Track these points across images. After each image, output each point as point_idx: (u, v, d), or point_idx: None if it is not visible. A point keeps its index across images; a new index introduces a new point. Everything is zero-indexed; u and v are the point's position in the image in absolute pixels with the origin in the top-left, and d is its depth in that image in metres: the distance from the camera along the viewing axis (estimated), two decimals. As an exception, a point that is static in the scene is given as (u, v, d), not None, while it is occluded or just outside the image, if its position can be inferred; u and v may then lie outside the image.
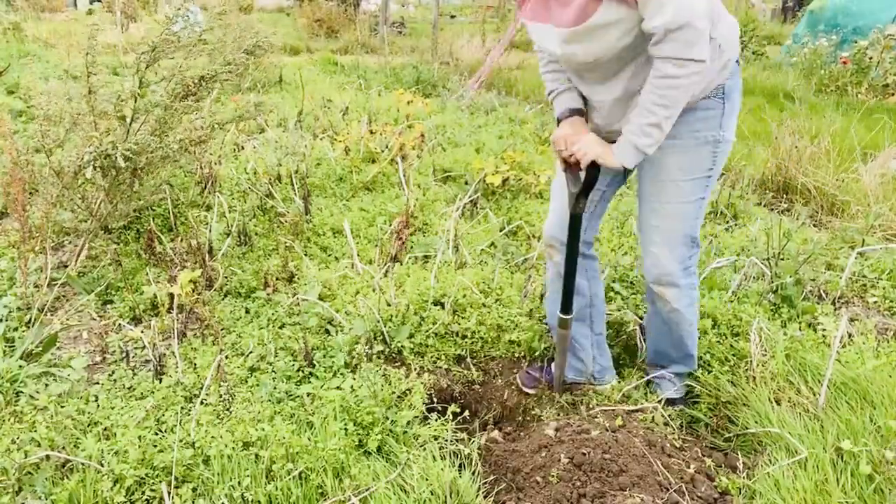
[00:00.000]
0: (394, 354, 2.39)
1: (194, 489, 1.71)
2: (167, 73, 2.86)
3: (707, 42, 1.62)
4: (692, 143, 1.88)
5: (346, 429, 1.90)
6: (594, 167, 1.89)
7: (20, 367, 2.15)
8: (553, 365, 2.29)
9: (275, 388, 2.13)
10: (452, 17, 17.82)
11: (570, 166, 1.96)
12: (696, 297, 2.11)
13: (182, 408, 2.00)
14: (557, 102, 2.02)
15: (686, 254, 2.00)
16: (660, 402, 2.19)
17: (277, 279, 2.85)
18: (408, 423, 2.00)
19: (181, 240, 2.99)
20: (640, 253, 2.20)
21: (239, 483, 1.71)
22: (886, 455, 1.70)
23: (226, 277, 2.85)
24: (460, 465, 1.88)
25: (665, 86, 1.66)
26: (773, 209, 4.06)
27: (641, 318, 2.52)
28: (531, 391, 2.33)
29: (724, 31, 1.81)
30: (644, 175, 1.99)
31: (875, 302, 2.82)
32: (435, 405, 2.21)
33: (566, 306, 2.08)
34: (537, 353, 2.46)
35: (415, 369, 2.32)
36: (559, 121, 1.99)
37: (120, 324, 2.53)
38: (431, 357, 2.41)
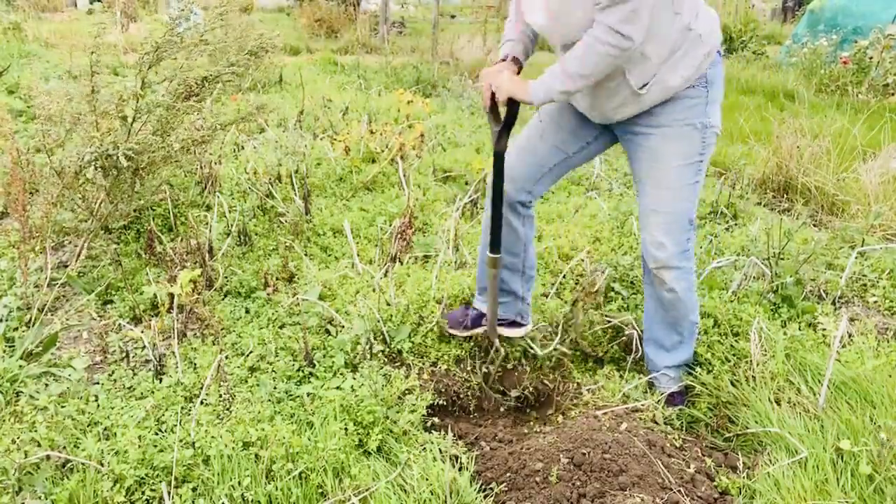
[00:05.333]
0: (394, 354, 2.39)
1: (194, 489, 1.71)
2: (168, 73, 2.86)
3: (643, 28, 1.75)
4: (681, 129, 1.97)
5: (346, 429, 1.90)
6: (513, 104, 2.00)
7: (20, 367, 2.15)
8: (486, 310, 2.37)
9: (275, 388, 2.13)
10: (452, 17, 17.81)
11: (494, 105, 2.06)
12: (694, 281, 2.16)
13: (182, 408, 2.00)
14: (503, 47, 2.14)
15: (683, 236, 2.06)
16: (659, 401, 2.19)
17: (277, 279, 2.85)
18: (409, 422, 2.00)
19: (181, 240, 2.99)
20: (640, 245, 2.24)
21: (239, 483, 1.71)
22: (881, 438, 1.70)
23: (226, 277, 2.85)
24: (460, 466, 1.89)
25: (590, 48, 1.79)
26: (773, 209, 4.06)
27: (641, 319, 2.52)
28: (456, 332, 2.43)
29: (704, 24, 1.91)
30: (638, 162, 2.08)
31: (875, 302, 2.81)
32: (435, 405, 2.21)
33: (494, 244, 2.16)
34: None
35: (415, 368, 2.32)
36: (497, 62, 2.10)
37: (120, 324, 2.53)
38: (432, 358, 2.41)
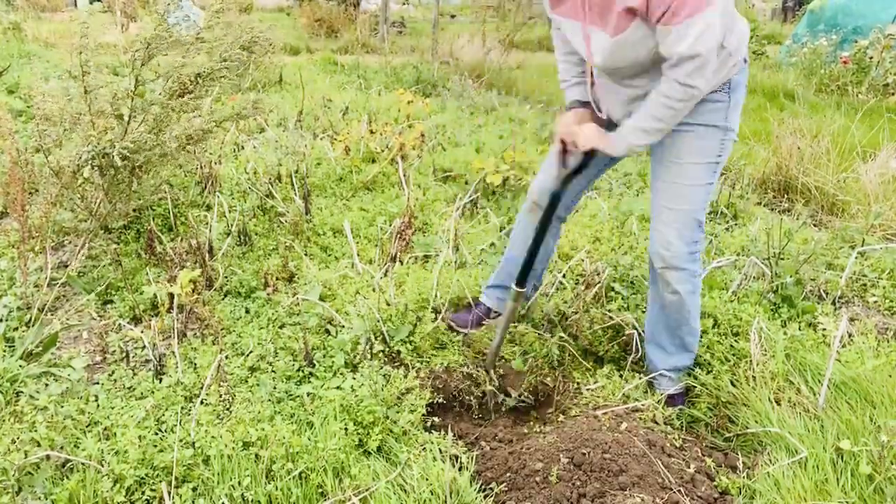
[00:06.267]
0: (393, 354, 2.39)
1: (194, 489, 1.71)
2: (164, 71, 2.86)
3: (711, 72, 1.80)
4: (702, 129, 2.00)
5: (346, 428, 1.90)
6: (590, 154, 2.08)
7: (20, 367, 2.15)
8: (492, 305, 2.53)
9: (275, 388, 2.13)
10: (452, 17, 17.81)
11: (567, 150, 2.15)
12: (699, 285, 2.16)
13: (182, 408, 2.00)
14: (568, 92, 2.21)
15: (692, 237, 2.07)
16: (659, 401, 2.19)
17: (277, 279, 2.85)
18: (409, 422, 2.00)
19: (181, 240, 2.99)
20: (641, 245, 2.26)
21: (239, 483, 1.71)
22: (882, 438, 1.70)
23: (226, 277, 2.85)
24: (460, 466, 1.89)
25: (664, 103, 1.84)
26: (773, 209, 4.06)
27: (641, 319, 2.52)
28: (462, 330, 2.51)
29: (735, 38, 1.93)
30: (656, 157, 2.11)
31: (875, 302, 2.81)
32: (435, 404, 2.21)
33: (523, 279, 2.18)
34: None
35: (413, 368, 2.32)
36: (568, 108, 2.20)
37: (120, 324, 2.53)
38: (430, 356, 2.41)
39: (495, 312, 2.58)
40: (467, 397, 2.33)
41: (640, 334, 2.42)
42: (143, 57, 2.67)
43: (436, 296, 2.63)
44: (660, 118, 1.87)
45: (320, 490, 1.74)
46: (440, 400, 2.24)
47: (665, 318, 2.21)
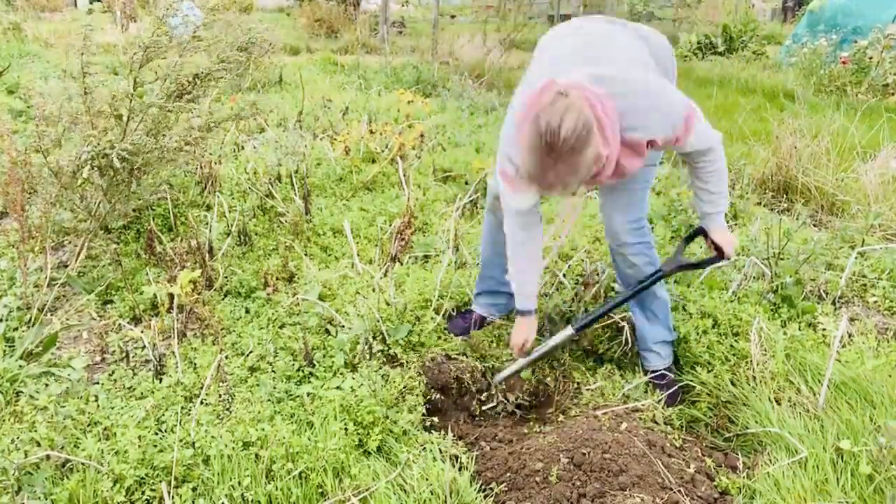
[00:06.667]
0: (393, 354, 2.39)
1: (194, 489, 1.71)
2: (162, 72, 2.85)
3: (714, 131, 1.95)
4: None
5: (346, 428, 1.90)
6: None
7: (20, 367, 2.15)
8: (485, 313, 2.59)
9: (275, 388, 2.13)
10: (452, 17, 17.80)
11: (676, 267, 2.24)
12: (654, 256, 2.26)
13: (182, 408, 2.00)
14: (529, 296, 2.22)
15: (637, 214, 2.21)
16: (659, 401, 2.19)
17: (277, 279, 2.85)
18: (409, 422, 2.00)
19: (181, 240, 2.99)
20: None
21: (239, 483, 1.71)
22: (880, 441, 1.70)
23: (226, 277, 2.85)
24: (460, 466, 1.89)
25: (711, 169, 1.98)
26: (772, 209, 4.06)
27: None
28: (460, 336, 2.53)
29: None
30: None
31: (875, 302, 2.81)
32: (435, 399, 2.21)
33: (584, 326, 2.25)
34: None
35: (411, 365, 2.32)
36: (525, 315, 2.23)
37: (120, 324, 2.53)
38: (427, 353, 2.41)
39: (489, 322, 2.62)
40: (464, 397, 2.32)
41: (630, 325, 2.44)
42: (142, 59, 2.67)
43: (438, 297, 2.63)
44: (721, 180, 2.01)
45: (320, 490, 1.74)
46: (436, 396, 2.23)
47: (630, 286, 2.29)
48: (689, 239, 2.27)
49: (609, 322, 2.51)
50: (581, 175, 1.68)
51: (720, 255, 2.14)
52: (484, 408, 2.33)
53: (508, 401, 2.34)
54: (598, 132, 1.65)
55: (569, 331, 2.22)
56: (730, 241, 2.12)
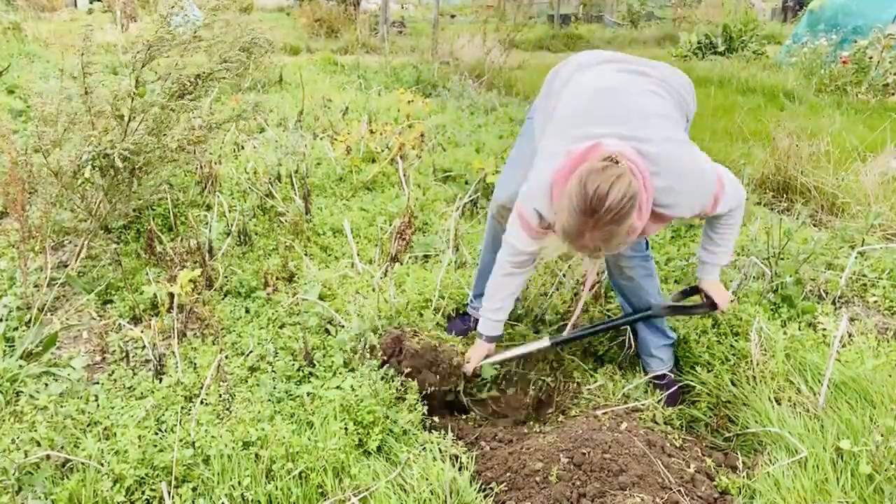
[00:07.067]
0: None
1: (194, 489, 1.71)
2: (164, 71, 2.86)
3: (740, 190, 1.98)
4: None
5: (346, 428, 1.90)
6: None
7: (20, 366, 2.15)
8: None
9: (275, 387, 2.13)
10: (452, 17, 17.80)
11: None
12: (651, 268, 2.29)
13: (182, 408, 2.00)
14: (495, 324, 2.24)
15: None
16: (659, 401, 2.19)
17: (277, 279, 2.85)
18: (409, 422, 2.00)
19: (181, 239, 2.99)
20: None
21: (239, 483, 1.71)
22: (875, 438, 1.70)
23: (226, 277, 2.85)
24: (460, 465, 1.89)
25: (725, 225, 2.03)
26: (772, 209, 4.06)
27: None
28: (459, 337, 2.49)
29: None
30: None
31: (875, 301, 2.81)
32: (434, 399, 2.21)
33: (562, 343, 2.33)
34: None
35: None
36: (487, 341, 2.27)
37: (120, 323, 2.53)
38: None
39: None
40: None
41: (630, 332, 2.44)
42: (145, 58, 2.67)
43: (438, 297, 2.63)
44: (730, 238, 2.07)
45: (320, 490, 1.74)
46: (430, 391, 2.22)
47: (630, 304, 2.31)
48: (686, 294, 2.30)
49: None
50: (614, 243, 1.70)
51: (713, 306, 2.16)
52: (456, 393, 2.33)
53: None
54: (638, 205, 1.67)
55: (545, 343, 2.24)
56: (725, 297, 2.15)
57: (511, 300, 2.20)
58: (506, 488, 1.82)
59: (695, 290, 2.25)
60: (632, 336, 2.44)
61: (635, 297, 2.30)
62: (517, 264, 2.10)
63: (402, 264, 3.02)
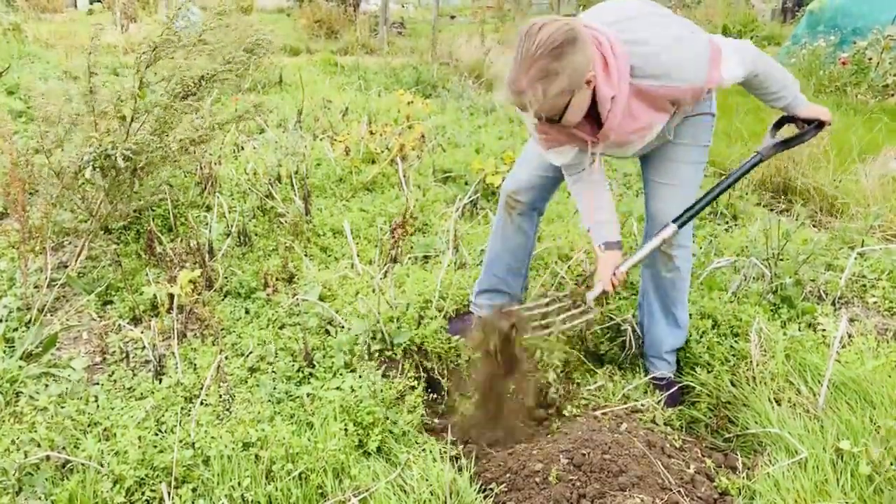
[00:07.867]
0: (393, 354, 2.39)
1: (194, 489, 1.71)
2: (167, 73, 2.86)
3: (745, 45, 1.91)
4: (693, 137, 2.09)
5: (346, 429, 1.90)
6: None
7: (20, 367, 2.15)
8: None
9: (275, 388, 2.13)
10: (452, 17, 17.79)
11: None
12: (692, 261, 2.28)
13: (182, 408, 2.00)
14: (608, 231, 2.08)
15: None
16: (659, 402, 2.19)
17: (277, 279, 2.85)
18: (409, 423, 2.00)
19: (181, 240, 2.99)
20: (644, 234, 2.29)
21: (239, 483, 1.71)
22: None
23: (226, 278, 2.85)
24: (460, 466, 1.89)
25: (761, 79, 1.93)
26: (772, 210, 4.06)
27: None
28: (456, 336, 2.48)
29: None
30: (653, 154, 2.13)
31: (875, 302, 2.82)
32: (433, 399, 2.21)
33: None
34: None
35: (412, 365, 2.32)
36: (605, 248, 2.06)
37: (120, 324, 2.53)
38: (428, 354, 2.41)
39: None
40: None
41: (633, 327, 2.43)
42: (150, 59, 2.67)
43: (438, 297, 2.63)
44: (776, 78, 1.96)
45: (320, 491, 1.74)
46: (433, 395, 2.23)
47: (660, 299, 2.27)
48: (778, 126, 2.17)
49: (610, 323, 2.51)
50: (555, 87, 1.59)
51: (819, 125, 2.07)
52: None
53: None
54: (599, 61, 1.63)
55: (670, 230, 2.04)
56: (821, 110, 2.06)
57: (608, 206, 2.05)
58: (505, 489, 1.82)
59: (783, 120, 2.16)
60: (632, 337, 2.43)
61: (667, 298, 2.24)
62: (577, 179, 2.06)
63: (401, 265, 3.02)
